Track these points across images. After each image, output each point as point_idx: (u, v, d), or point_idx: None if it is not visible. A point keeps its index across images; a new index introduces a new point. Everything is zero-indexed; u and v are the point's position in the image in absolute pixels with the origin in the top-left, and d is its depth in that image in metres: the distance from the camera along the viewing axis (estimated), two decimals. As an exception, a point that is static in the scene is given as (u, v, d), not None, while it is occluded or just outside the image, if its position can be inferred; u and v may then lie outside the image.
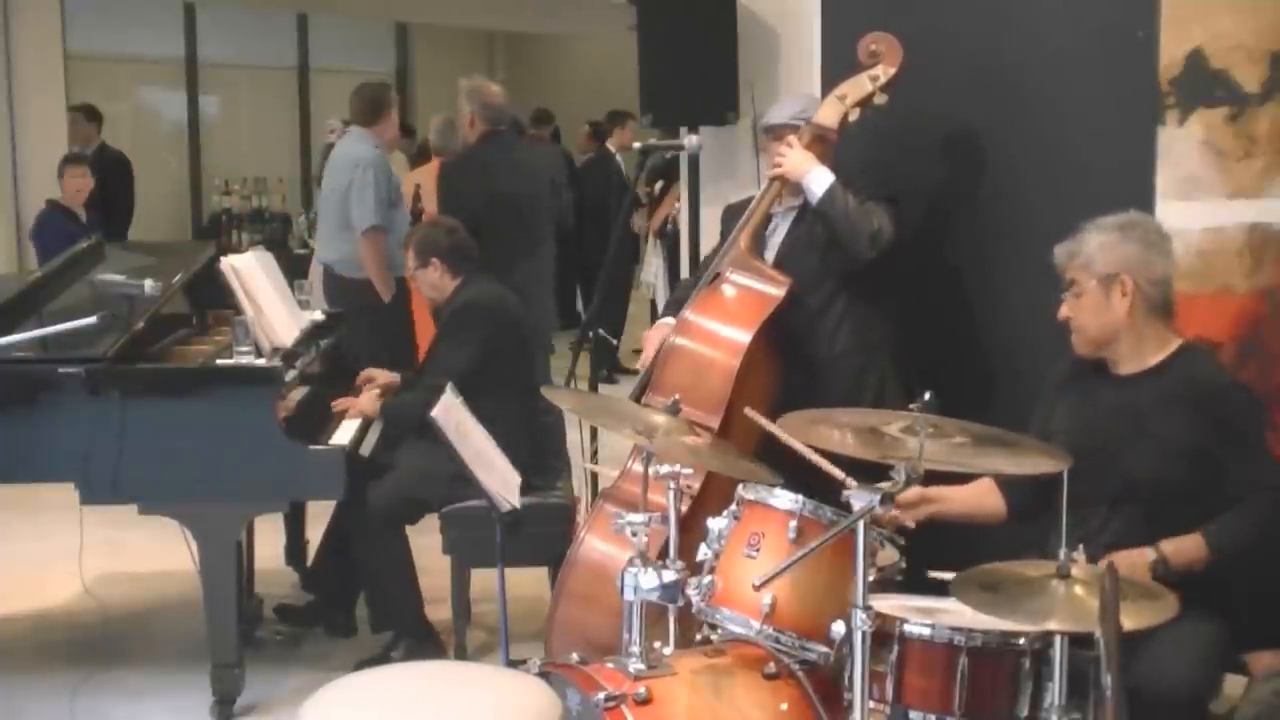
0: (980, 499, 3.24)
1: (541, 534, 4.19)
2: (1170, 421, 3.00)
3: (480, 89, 5.97)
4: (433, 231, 4.74)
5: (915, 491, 3.11)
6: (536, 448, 4.52)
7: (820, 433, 2.93)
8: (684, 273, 5.03)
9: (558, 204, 6.39)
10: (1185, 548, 2.93)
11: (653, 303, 9.51)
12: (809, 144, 3.91)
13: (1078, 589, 2.55)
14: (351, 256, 5.91)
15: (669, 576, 2.88)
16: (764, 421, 3.42)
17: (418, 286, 4.77)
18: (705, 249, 4.72)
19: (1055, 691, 2.61)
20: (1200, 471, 2.99)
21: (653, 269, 9.19)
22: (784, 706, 2.81)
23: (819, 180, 3.83)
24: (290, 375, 4.27)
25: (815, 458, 3.19)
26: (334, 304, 5.72)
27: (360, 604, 4.72)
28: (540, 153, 6.74)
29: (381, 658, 4.36)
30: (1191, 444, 2.98)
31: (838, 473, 3.11)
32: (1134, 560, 2.89)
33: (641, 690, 2.71)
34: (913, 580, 3.10)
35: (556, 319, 6.40)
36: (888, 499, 2.63)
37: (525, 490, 3.80)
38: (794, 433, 3.02)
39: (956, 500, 3.21)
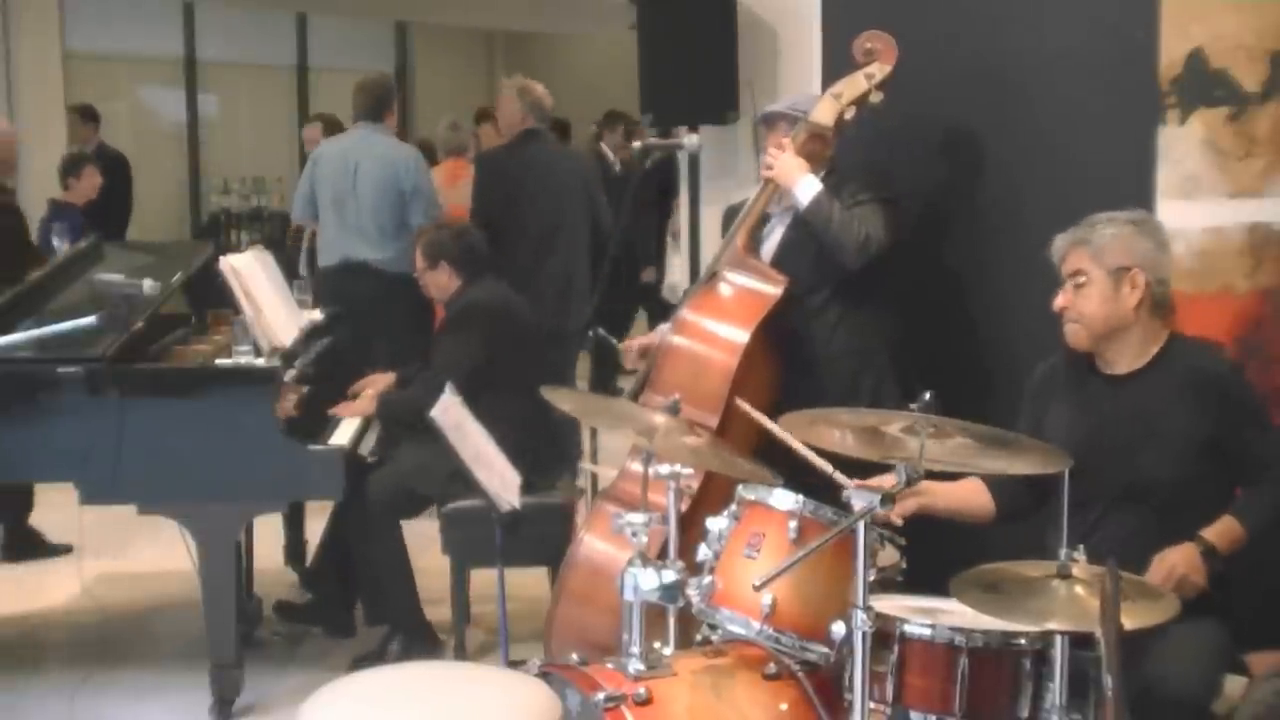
0: (968, 497, 3.24)
1: (541, 534, 4.19)
2: (1177, 417, 3.00)
3: (530, 87, 6.10)
4: (441, 233, 4.71)
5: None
6: (542, 447, 4.51)
7: (820, 433, 2.93)
8: (684, 273, 5.03)
9: (593, 210, 6.33)
10: (1226, 532, 2.93)
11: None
12: (804, 143, 3.91)
13: (1078, 589, 2.55)
14: (404, 254, 5.89)
15: (669, 577, 2.87)
16: (754, 413, 3.41)
17: (424, 286, 4.77)
18: (705, 248, 4.72)
19: (1056, 692, 2.61)
20: (1209, 464, 2.99)
21: (677, 269, 9.20)
22: (784, 707, 2.81)
23: (805, 189, 3.83)
24: (289, 375, 4.27)
25: (805, 451, 3.17)
26: (375, 302, 5.75)
27: (359, 604, 4.73)
28: (574, 158, 6.73)
29: (378, 652, 4.37)
30: (1200, 437, 2.98)
31: (826, 466, 3.10)
32: (1188, 557, 2.89)
33: (641, 691, 2.71)
34: (913, 580, 3.10)
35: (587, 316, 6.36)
36: (888, 499, 2.63)
37: (525, 490, 3.80)
38: (794, 433, 3.01)
39: (943, 495, 3.20)
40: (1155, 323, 3.09)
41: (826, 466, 3.11)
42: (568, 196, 6.12)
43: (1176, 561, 2.88)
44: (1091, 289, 3.06)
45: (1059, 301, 3.12)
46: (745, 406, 3.51)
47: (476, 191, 6.09)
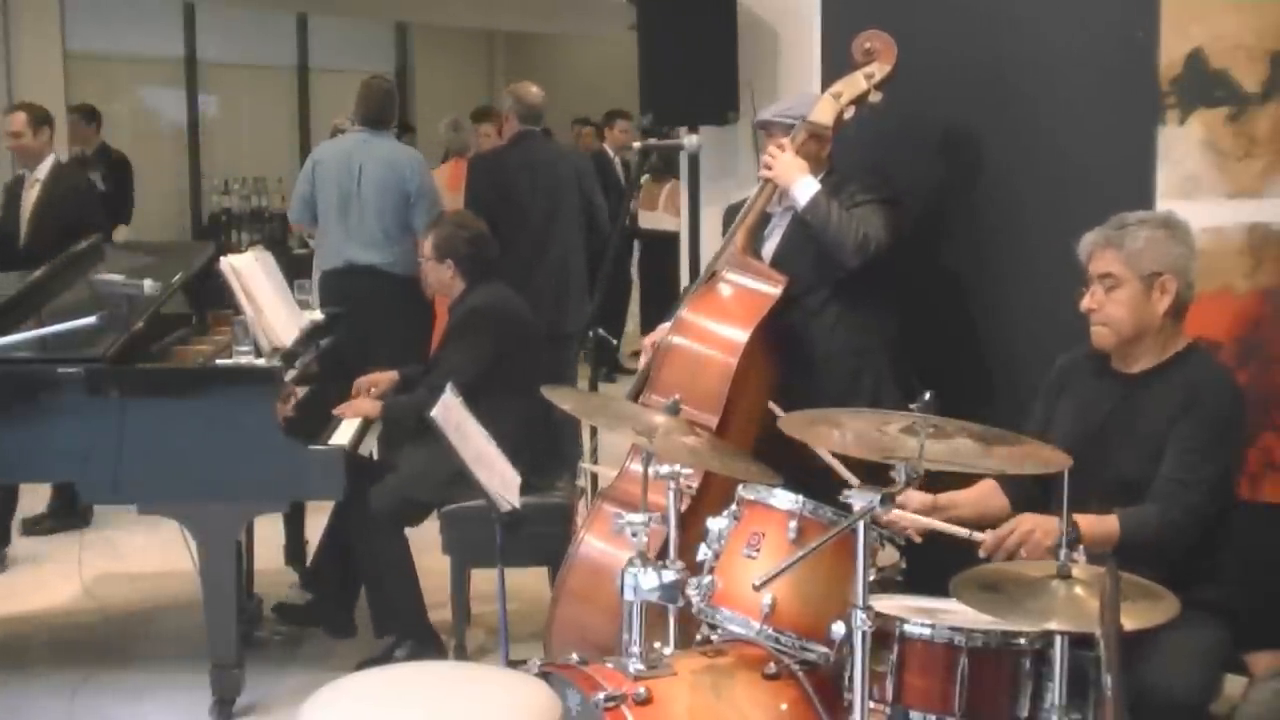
0: (986, 500, 3.24)
1: (541, 534, 4.19)
2: (1160, 421, 3.00)
3: (519, 88, 6.13)
4: (460, 232, 4.70)
5: (926, 499, 3.11)
6: (542, 448, 4.51)
7: (820, 433, 2.93)
8: (684, 274, 5.03)
9: (589, 210, 6.31)
10: (1100, 524, 2.87)
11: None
12: (803, 143, 3.91)
13: (1078, 589, 2.55)
14: (407, 256, 5.86)
15: (669, 576, 2.88)
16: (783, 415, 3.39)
17: (423, 274, 4.77)
18: (705, 248, 4.72)
19: (1055, 691, 2.60)
20: None
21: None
22: (784, 707, 2.81)
23: (803, 190, 3.83)
24: (290, 375, 4.27)
25: (833, 461, 3.17)
26: (377, 302, 5.76)
27: (360, 604, 4.72)
28: (570, 157, 6.67)
29: (384, 659, 4.36)
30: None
31: (853, 478, 3.08)
32: (1045, 525, 2.85)
33: (641, 690, 2.71)
34: (913, 580, 3.10)
35: (584, 317, 6.35)
36: (888, 499, 2.63)
37: (525, 490, 3.80)
38: (793, 433, 3.01)
39: (965, 504, 3.20)
40: (1175, 326, 3.10)
41: (853, 478, 3.08)
42: (562, 196, 6.11)
43: (1033, 526, 2.85)
44: (1122, 292, 3.05)
45: (1087, 303, 3.10)
46: (776, 409, 3.45)
47: (468, 196, 6.10)
